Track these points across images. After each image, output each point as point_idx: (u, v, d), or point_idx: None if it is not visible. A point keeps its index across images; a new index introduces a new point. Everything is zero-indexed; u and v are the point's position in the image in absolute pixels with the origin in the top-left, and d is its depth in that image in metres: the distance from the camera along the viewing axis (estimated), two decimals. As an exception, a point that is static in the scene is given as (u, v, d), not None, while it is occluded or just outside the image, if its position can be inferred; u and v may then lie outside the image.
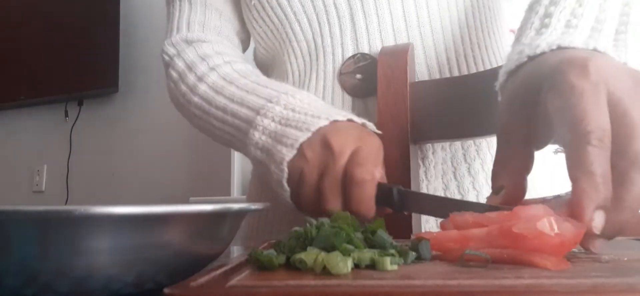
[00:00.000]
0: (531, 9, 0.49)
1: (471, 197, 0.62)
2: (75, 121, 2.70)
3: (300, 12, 0.65)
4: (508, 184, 0.39)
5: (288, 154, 0.50)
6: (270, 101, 0.55)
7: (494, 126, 0.57)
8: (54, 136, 2.74)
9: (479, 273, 0.26)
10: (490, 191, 0.62)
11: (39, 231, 0.24)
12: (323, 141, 0.49)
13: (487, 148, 0.64)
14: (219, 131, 0.61)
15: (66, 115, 2.71)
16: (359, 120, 0.53)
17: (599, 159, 0.32)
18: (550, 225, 0.28)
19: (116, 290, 0.27)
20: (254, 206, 0.34)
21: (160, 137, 2.51)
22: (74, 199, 2.60)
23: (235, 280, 0.26)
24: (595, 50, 0.40)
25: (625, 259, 0.30)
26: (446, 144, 0.63)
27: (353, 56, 0.63)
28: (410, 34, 0.63)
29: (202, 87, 0.62)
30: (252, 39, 0.76)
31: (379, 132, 0.54)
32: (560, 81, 0.36)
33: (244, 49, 0.77)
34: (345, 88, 0.63)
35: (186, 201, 2.16)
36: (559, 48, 0.41)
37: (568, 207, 0.32)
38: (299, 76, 0.67)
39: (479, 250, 0.29)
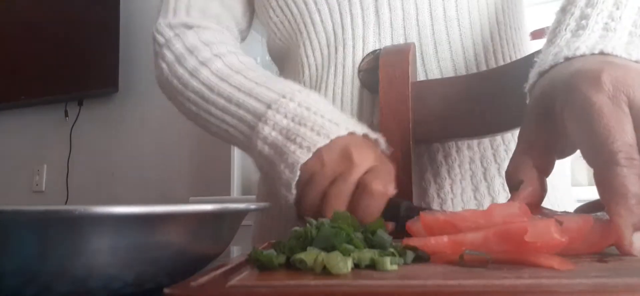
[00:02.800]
0: (565, 11, 0.46)
1: (502, 199, 0.60)
2: (75, 121, 2.70)
3: (322, 1, 0.63)
4: (527, 181, 0.37)
5: (303, 156, 0.49)
6: (284, 96, 0.53)
7: (497, 125, 0.57)
8: (54, 136, 2.74)
9: (479, 273, 0.26)
10: (507, 196, 0.61)
11: (39, 231, 0.24)
12: (344, 150, 0.48)
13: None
14: (218, 121, 0.58)
15: (66, 115, 2.71)
16: (373, 136, 0.52)
17: (630, 180, 0.31)
18: (562, 232, 0.27)
19: (116, 290, 0.27)
20: (254, 205, 0.34)
21: (160, 137, 2.51)
22: (74, 199, 2.60)
23: (235, 280, 0.26)
24: (637, 61, 0.38)
25: (627, 259, 0.30)
26: (473, 144, 0.61)
27: (373, 52, 0.61)
28: (435, 29, 0.61)
29: (204, 72, 0.59)
30: (265, 30, 0.73)
31: (388, 151, 0.54)
32: (575, 97, 0.35)
33: (242, 40, 0.74)
34: (364, 85, 0.61)
35: (186, 201, 2.16)
36: (601, 53, 0.39)
37: (605, 228, 0.31)
38: (316, 69, 0.65)
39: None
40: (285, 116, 0.51)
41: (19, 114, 2.86)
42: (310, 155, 0.48)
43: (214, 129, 0.60)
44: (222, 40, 0.65)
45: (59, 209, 0.23)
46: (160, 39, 0.66)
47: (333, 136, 0.49)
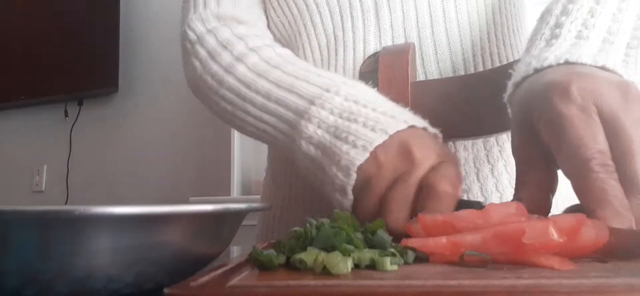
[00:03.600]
0: (542, 19, 0.46)
1: (494, 199, 0.60)
2: (75, 121, 2.70)
3: (322, 3, 0.63)
4: (528, 200, 0.36)
5: (358, 157, 0.43)
6: (328, 90, 0.48)
7: (496, 125, 0.57)
8: (54, 136, 2.75)
9: (479, 273, 0.26)
10: (513, 193, 0.61)
11: (39, 231, 0.24)
12: (402, 147, 0.43)
13: (510, 149, 0.63)
14: (256, 121, 0.53)
15: (66, 115, 2.71)
16: (432, 130, 0.47)
17: (608, 184, 0.32)
18: (559, 232, 0.28)
19: (116, 290, 0.27)
20: (254, 206, 0.34)
21: (160, 137, 2.51)
22: (74, 199, 2.61)
23: (235, 280, 0.26)
24: (603, 67, 0.38)
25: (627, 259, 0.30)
26: (468, 145, 0.61)
27: (374, 54, 0.60)
28: (435, 30, 0.61)
29: (241, 68, 0.55)
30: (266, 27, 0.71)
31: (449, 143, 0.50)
32: (548, 109, 0.35)
33: None
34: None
35: (186, 201, 2.16)
36: (567, 63, 0.39)
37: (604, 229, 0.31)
38: None
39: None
40: (332, 113, 0.46)
41: (19, 114, 2.86)
42: (366, 155, 0.43)
43: (251, 129, 0.55)
44: (256, 33, 0.61)
45: (59, 209, 0.23)
46: (192, 36, 0.61)
47: (391, 131, 0.43)
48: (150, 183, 2.49)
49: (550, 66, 0.40)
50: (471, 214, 0.32)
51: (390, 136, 0.43)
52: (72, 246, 0.24)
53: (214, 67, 0.58)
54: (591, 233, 0.29)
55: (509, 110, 0.44)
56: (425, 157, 0.42)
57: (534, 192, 0.37)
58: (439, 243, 0.31)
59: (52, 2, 2.74)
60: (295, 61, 0.56)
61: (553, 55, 0.40)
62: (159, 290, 0.25)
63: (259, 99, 0.53)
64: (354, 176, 0.43)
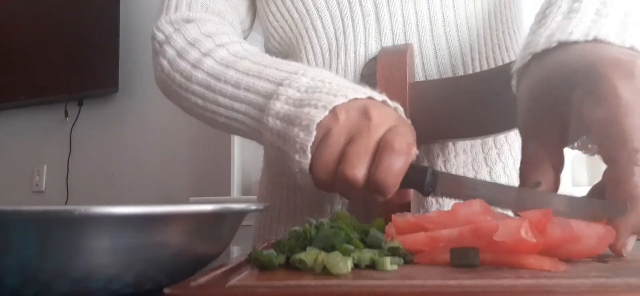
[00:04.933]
0: None
1: None
2: (75, 121, 2.70)
3: (323, 7, 0.63)
4: (545, 183, 0.37)
5: (319, 115, 0.44)
6: (295, 73, 0.50)
7: (494, 126, 0.57)
8: (54, 136, 2.74)
9: (479, 273, 0.26)
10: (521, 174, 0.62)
11: (39, 231, 0.24)
12: (362, 109, 0.45)
13: (508, 151, 0.63)
14: (226, 110, 0.54)
15: (66, 115, 2.71)
16: (392, 104, 0.49)
17: None
18: (531, 232, 0.28)
19: (116, 290, 0.27)
20: (254, 206, 0.34)
21: (160, 137, 2.51)
22: (74, 199, 2.61)
23: (235, 280, 0.26)
24: (632, 48, 0.37)
25: (626, 259, 0.30)
26: (467, 147, 0.62)
27: (375, 58, 0.61)
28: (434, 34, 0.61)
29: (209, 62, 0.56)
30: (263, 33, 0.72)
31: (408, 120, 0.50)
32: (602, 87, 0.34)
33: (244, 38, 0.72)
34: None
35: (186, 201, 2.16)
36: (596, 40, 0.38)
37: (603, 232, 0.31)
38: None
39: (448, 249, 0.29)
40: (298, 90, 0.48)
41: (19, 114, 2.86)
42: (326, 112, 0.44)
43: (222, 120, 0.56)
44: (224, 31, 0.62)
45: (59, 209, 0.23)
46: (160, 36, 0.64)
47: (350, 96, 0.45)
48: (150, 183, 2.49)
49: (577, 42, 0.38)
50: (440, 215, 0.33)
51: (350, 99, 0.45)
52: (72, 246, 0.24)
53: (182, 64, 0.59)
54: (592, 241, 0.29)
55: (515, 82, 0.43)
56: (384, 119, 0.44)
57: (550, 174, 0.37)
58: (418, 239, 0.31)
59: (52, 2, 2.74)
60: (263, 54, 0.58)
61: (578, 30, 0.39)
62: (159, 290, 0.25)
63: (229, 89, 0.54)
64: (314, 132, 0.44)
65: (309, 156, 0.45)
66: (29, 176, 2.79)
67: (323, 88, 0.47)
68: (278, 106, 0.48)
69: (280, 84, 0.49)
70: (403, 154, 0.43)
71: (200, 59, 0.58)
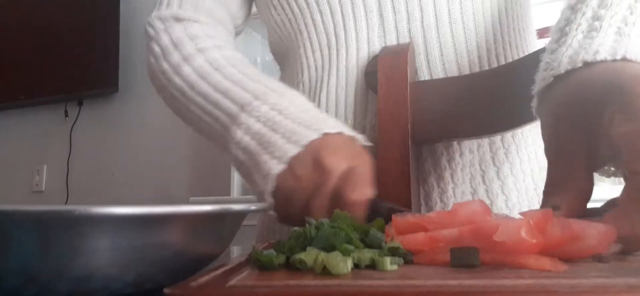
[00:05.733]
0: (574, 9, 0.45)
1: (500, 201, 0.60)
2: (75, 121, 2.70)
3: (323, 2, 0.62)
4: (566, 206, 0.36)
5: (276, 167, 0.48)
6: (257, 98, 0.52)
7: (497, 125, 0.57)
8: (54, 136, 2.75)
9: (479, 273, 0.26)
10: (519, 195, 0.62)
11: (39, 231, 0.24)
12: (315, 159, 0.47)
13: (516, 151, 0.62)
14: (198, 119, 0.58)
15: (66, 115, 2.71)
16: (349, 133, 0.51)
17: None
18: (531, 233, 0.28)
19: (116, 290, 0.27)
20: (254, 206, 0.34)
21: (160, 137, 2.51)
22: (74, 199, 2.61)
23: (235, 280, 0.26)
24: None
25: (626, 259, 0.30)
26: (474, 147, 0.61)
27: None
28: (440, 31, 0.60)
29: (186, 69, 0.59)
30: (266, 26, 0.72)
31: (369, 144, 0.53)
32: (634, 104, 0.34)
33: (237, 34, 0.74)
34: (371, 87, 0.60)
35: (186, 201, 2.16)
36: (624, 59, 0.37)
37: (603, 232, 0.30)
38: (316, 70, 0.64)
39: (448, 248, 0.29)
40: (258, 120, 0.51)
41: (19, 114, 2.86)
42: (283, 165, 0.48)
43: (196, 127, 0.60)
44: (209, 34, 0.64)
45: (59, 209, 0.23)
46: (151, 31, 0.66)
47: (305, 142, 0.48)
48: (150, 183, 2.49)
49: (604, 61, 0.38)
50: (439, 215, 0.33)
51: (304, 147, 0.48)
52: (72, 246, 0.24)
53: (165, 65, 0.62)
54: (593, 240, 0.29)
55: (536, 103, 0.42)
56: (335, 166, 0.47)
57: (573, 199, 0.36)
58: (418, 239, 0.31)
59: (52, 2, 2.74)
60: (237, 63, 0.59)
61: (603, 49, 0.38)
62: (159, 290, 0.25)
63: (200, 100, 0.57)
64: (272, 183, 0.48)
65: (271, 201, 0.49)
66: (29, 176, 2.79)
67: (280, 126, 0.50)
68: (239, 135, 0.51)
69: (242, 109, 0.52)
70: (357, 204, 0.46)
71: (179, 63, 0.60)
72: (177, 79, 0.60)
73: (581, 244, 0.29)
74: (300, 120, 0.50)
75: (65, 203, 2.53)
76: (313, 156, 0.47)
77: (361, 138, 0.52)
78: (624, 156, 0.34)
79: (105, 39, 2.55)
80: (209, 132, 0.58)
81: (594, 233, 0.29)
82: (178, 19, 0.65)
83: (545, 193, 0.38)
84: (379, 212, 0.46)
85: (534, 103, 0.43)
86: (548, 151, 0.40)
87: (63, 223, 0.24)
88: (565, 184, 0.37)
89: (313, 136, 0.48)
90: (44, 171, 2.77)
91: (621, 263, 0.28)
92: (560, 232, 0.29)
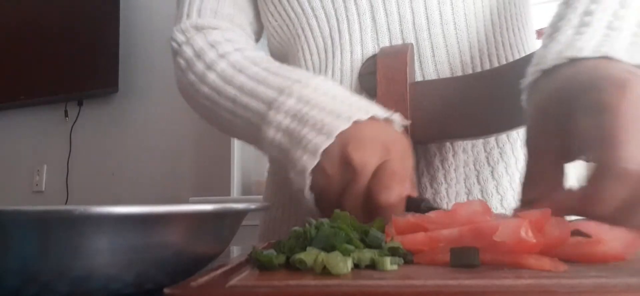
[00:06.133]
0: (568, 5, 0.45)
1: (495, 201, 0.61)
2: (75, 121, 2.70)
3: (318, 7, 0.63)
4: (539, 201, 0.36)
5: (310, 162, 0.46)
6: (282, 93, 0.52)
7: (495, 125, 0.57)
8: (54, 136, 2.74)
9: (479, 273, 0.26)
10: (514, 194, 0.62)
11: (39, 231, 0.24)
12: (343, 154, 0.45)
13: (510, 151, 0.63)
14: (229, 123, 0.58)
15: (66, 115, 2.71)
16: (382, 115, 0.49)
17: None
18: (531, 233, 0.28)
19: (116, 290, 0.27)
20: (254, 206, 0.34)
21: (160, 137, 2.51)
22: (74, 199, 2.61)
23: (235, 280, 0.26)
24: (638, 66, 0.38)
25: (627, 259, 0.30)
26: (468, 147, 0.62)
27: (373, 56, 0.61)
28: (432, 32, 0.61)
29: (211, 76, 0.59)
30: (265, 32, 0.73)
31: (407, 122, 0.51)
32: (599, 100, 0.34)
33: (257, 40, 0.74)
34: (365, 89, 0.61)
35: (186, 201, 2.16)
36: (606, 57, 0.38)
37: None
38: (314, 72, 0.65)
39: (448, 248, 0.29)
40: (286, 115, 0.50)
41: (19, 114, 2.86)
42: (316, 160, 0.46)
43: (231, 132, 0.61)
44: (229, 39, 0.64)
45: (59, 209, 0.23)
46: (175, 46, 0.66)
47: (334, 133, 0.46)
48: (150, 183, 2.49)
49: (587, 58, 0.39)
50: (439, 215, 0.33)
51: (335, 138, 0.46)
52: (72, 246, 0.24)
53: (191, 77, 0.62)
54: (604, 247, 0.29)
55: (525, 97, 0.43)
56: (365, 163, 0.45)
57: (548, 192, 0.37)
58: (418, 239, 0.31)
59: (52, 2, 2.74)
60: (259, 61, 0.59)
61: (588, 45, 0.39)
62: (159, 290, 0.25)
63: (229, 105, 0.57)
64: (308, 180, 0.47)
65: (310, 197, 0.48)
66: (29, 176, 2.79)
67: (309, 118, 0.48)
68: (271, 134, 0.51)
69: (270, 107, 0.52)
70: (390, 207, 0.43)
71: (204, 72, 0.61)
72: (204, 88, 0.60)
73: (605, 247, 0.29)
74: (329, 108, 0.49)
75: (65, 203, 2.53)
76: (341, 152, 0.46)
77: (397, 119, 0.50)
78: (590, 151, 0.35)
79: (105, 39, 2.54)
80: (243, 135, 0.58)
81: (617, 237, 0.29)
82: (198, 28, 0.65)
83: (522, 187, 0.39)
84: (419, 210, 0.44)
85: (524, 96, 0.44)
86: (527, 143, 0.40)
87: (63, 223, 0.24)
88: (541, 177, 0.38)
89: (342, 125, 0.47)
90: (44, 171, 2.77)
91: (621, 263, 0.28)
92: (560, 232, 0.29)
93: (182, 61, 0.64)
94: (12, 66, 2.79)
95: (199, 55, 0.62)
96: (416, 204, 0.44)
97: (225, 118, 0.58)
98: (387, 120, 0.50)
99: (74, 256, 0.24)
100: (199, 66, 0.61)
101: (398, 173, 0.45)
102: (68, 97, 2.67)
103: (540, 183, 0.38)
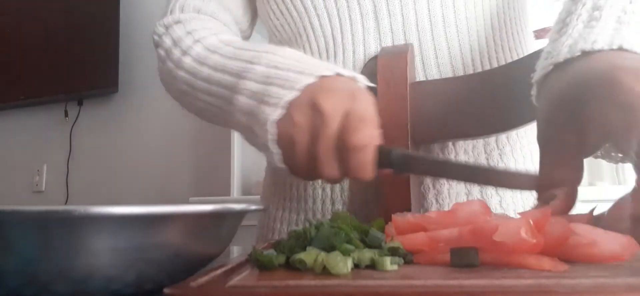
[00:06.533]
0: (575, 1, 0.45)
1: (494, 202, 0.61)
2: (75, 121, 2.70)
3: (320, 6, 0.63)
4: (559, 195, 0.37)
5: (272, 113, 0.47)
6: (252, 62, 0.52)
7: (495, 125, 0.57)
8: (54, 136, 2.75)
9: (479, 273, 0.26)
10: (513, 195, 0.62)
11: (39, 231, 0.24)
12: (312, 102, 0.46)
13: (510, 152, 0.63)
14: (206, 104, 0.58)
15: (66, 115, 2.71)
16: (347, 73, 0.50)
17: None
18: (531, 233, 0.28)
19: (116, 290, 0.27)
20: (253, 206, 0.34)
21: (160, 137, 2.51)
22: (74, 199, 2.61)
23: (235, 280, 0.26)
24: None
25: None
26: (469, 149, 0.62)
27: (375, 57, 0.61)
28: (434, 34, 0.61)
29: (187, 61, 0.59)
30: (266, 30, 0.73)
31: (372, 84, 0.51)
32: (623, 94, 0.34)
33: (244, 39, 0.74)
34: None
35: (186, 201, 2.16)
36: (620, 49, 0.38)
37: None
38: None
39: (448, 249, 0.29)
40: (255, 81, 0.50)
41: (19, 114, 2.86)
42: (279, 110, 0.46)
43: (208, 115, 0.59)
44: (206, 26, 0.64)
45: (59, 210, 0.23)
46: (155, 38, 0.67)
47: (299, 86, 0.47)
48: (150, 183, 2.49)
49: (601, 50, 0.39)
50: (439, 215, 0.34)
51: (300, 91, 0.46)
52: (72, 246, 0.24)
53: (169, 64, 0.62)
54: (614, 246, 0.29)
55: (535, 92, 0.43)
56: (335, 106, 0.45)
57: (567, 187, 0.37)
58: (418, 239, 0.31)
59: (52, 2, 2.74)
60: (232, 42, 0.59)
61: (601, 38, 0.39)
62: (159, 290, 0.25)
63: (204, 85, 0.57)
64: (270, 130, 0.47)
65: (274, 150, 0.48)
66: (29, 176, 2.79)
67: (276, 78, 0.48)
68: (242, 100, 0.50)
69: (239, 77, 0.52)
70: (364, 148, 0.45)
71: (180, 58, 0.61)
72: (181, 73, 0.60)
73: (602, 248, 0.29)
74: (295, 68, 0.49)
75: (65, 203, 2.53)
76: (310, 99, 0.46)
77: (361, 78, 0.51)
78: (624, 151, 0.35)
79: (105, 39, 2.54)
80: (218, 114, 0.57)
81: (613, 240, 0.29)
82: (179, 22, 0.66)
83: (539, 183, 0.39)
84: (390, 158, 0.45)
85: (534, 91, 0.44)
86: (540, 138, 0.40)
87: (63, 223, 0.24)
88: (558, 172, 0.38)
89: (309, 80, 0.47)
90: (44, 171, 2.77)
91: (621, 263, 0.28)
92: (560, 232, 0.29)
93: (161, 51, 0.65)
94: (12, 66, 2.79)
95: (176, 43, 0.63)
96: (386, 153, 0.46)
97: (202, 100, 0.58)
98: (352, 78, 0.50)
99: (74, 256, 0.24)
100: (176, 53, 0.62)
101: (367, 116, 0.46)
102: (68, 97, 2.67)
103: (556, 178, 0.38)
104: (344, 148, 0.45)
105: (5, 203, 2.51)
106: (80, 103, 2.69)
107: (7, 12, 2.85)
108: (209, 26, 0.65)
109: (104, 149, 2.65)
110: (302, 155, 0.47)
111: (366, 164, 0.45)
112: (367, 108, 0.46)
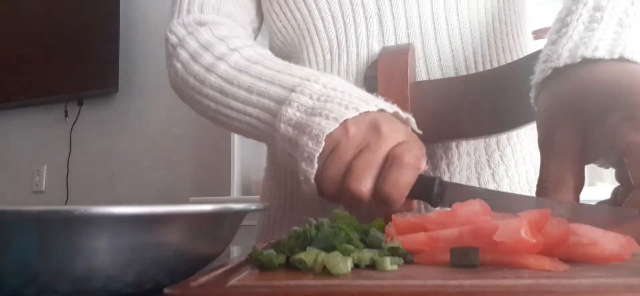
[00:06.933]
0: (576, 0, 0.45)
1: (505, 184, 0.61)
2: (75, 121, 2.70)
3: (324, 8, 0.63)
4: (561, 200, 0.37)
5: (329, 126, 0.45)
6: (308, 79, 0.50)
7: (495, 125, 0.57)
8: (54, 136, 2.75)
9: (479, 273, 0.26)
10: (520, 179, 0.62)
11: (39, 231, 0.24)
12: (372, 123, 0.45)
13: (511, 153, 0.63)
14: (239, 114, 0.55)
15: (66, 115, 2.71)
16: (403, 115, 0.49)
17: None
18: (531, 233, 0.28)
19: (116, 290, 0.27)
20: (254, 206, 0.34)
21: (160, 138, 2.51)
22: (74, 199, 2.61)
23: (235, 280, 0.26)
24: None
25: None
26: (470, 150, 0.62)
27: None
28: (438, 37, 0.62)
29: (222, 67, 0.57)
30: (268, 31, 0.73)
31: (419, 131, 0.51)
32: (628, 107, 0.34)
33: (254, 39, 0.73)
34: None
35: (186, 201, 2.16)
36: (621, 59, 0.38)
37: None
38: None
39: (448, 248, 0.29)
40: (310, 97, 0.48)
41: (19, 114, 2.86)
42: (336, 125, 0.45)
43: (235, 125, 0.57)
44: (236, 35, 0.63)
45: (59, 209, 0.23)
46: (174, 39, 0.64)
47: (362, 110, 0.46)
48: (150, 183, 2.49)
49: (603, 59, 0.38)
50: (440, 215, 0.33)
51: (361, 113, 0.46)
52: (72, 246, 0.24)
53: (196, 67, 0.60)
54: (614, 246, 0.29)
55: (534, 94, 0.43)
56: (393, 133, 0.45)
57: (570, 193, 0.37)
58: (418, 239, 0.31)
59: (52, 2, 2.74)
60: (275, 58, 0.58)
61: (603, 45, 0.39)
62: (159, 290, 0.25)
63: (242, 93, 0.54)
64: (323, 143, 0.45)
65: (315, 165, 0.46)
66: (29, 176, 2.79)
67: (335, 98, 0.47)
68: (290, 112, 0.48)
69: (292, 90, 0.50)
70: (411, 168, 0.43)
71: (213, 62, 0.58)
72: (212, 78, 0.57)
73: (604, 248, 0.29)
74: (356, 95, 0.48)
75: (65, 203, 2.53)
76: (371, 121, 0.45)
77: (413, 122, 0.51)
78: (629, 166, 0.35)
79: (105, 39, 2.54)
80: (253, 126, 0.55)
81: (613, 240, 0.29)
82: (201, 23, 0.64)
83: (539, 188, 0.39)
84: (430, 187, 0.44)
85: (532, 93, 0.43)
86: (542, 143, 0.40)
87: (63, 223, 0.24)
88: (560, 179, 0.38)
89: (370, 108, 0.46)
90: (44, 171, 2.77)
91: (621, 263, 0.28)
92: (560, 232, 0.29)
93: (184, 53, 0.62)
94: (12, 66, 2.79)
95: (206, 47, 0.60)
96: (430, 181, 0.44)
97: (235, 108, 0.55)
98: (407, 119, 0.50)
99: (74, 256, 0.24)
100: (207, 57, 0.59)
101: (422, 150, 0.46)
102: (68, 97, 2.67)
103: (559, 185, 0.38)
104: (391, 163, 0.44)
105: (5, 203, 2.51)
106: (80, 103, 2.69)
107: (7, 12, 2.85)
108: (238, 35, 0.63)
109: (104, 149, 2.65)
110: (339, 167, 0.45)
111: (404, 184, 0.43)
112: (420, 145, 0.47)
